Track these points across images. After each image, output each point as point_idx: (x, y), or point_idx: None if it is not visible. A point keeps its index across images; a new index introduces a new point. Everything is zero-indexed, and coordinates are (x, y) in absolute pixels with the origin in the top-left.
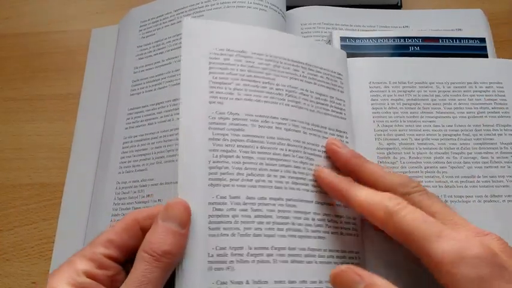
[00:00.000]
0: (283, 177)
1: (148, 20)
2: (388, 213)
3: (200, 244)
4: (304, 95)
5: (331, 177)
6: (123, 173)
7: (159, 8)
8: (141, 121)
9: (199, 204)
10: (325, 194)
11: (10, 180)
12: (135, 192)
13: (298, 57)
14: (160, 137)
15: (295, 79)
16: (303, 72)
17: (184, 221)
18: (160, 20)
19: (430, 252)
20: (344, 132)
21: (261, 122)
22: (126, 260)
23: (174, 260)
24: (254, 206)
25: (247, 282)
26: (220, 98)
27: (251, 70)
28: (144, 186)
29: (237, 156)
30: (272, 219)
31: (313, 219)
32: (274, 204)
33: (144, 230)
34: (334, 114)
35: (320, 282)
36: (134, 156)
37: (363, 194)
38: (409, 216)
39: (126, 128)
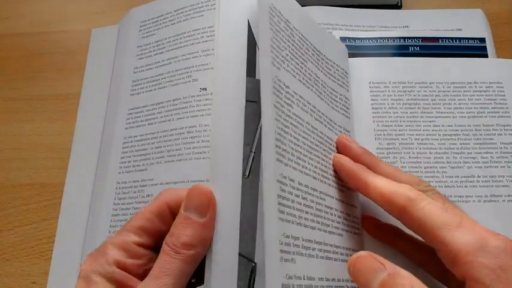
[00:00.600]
0: (316, 167)
1: (148, 20)
2: (409, 200)
3: (272, 230)
4: (323, 86)
5: (351, 164)
6: (123, 173)
7: (159, 8)
8: (141, 121)
9: (269, 180)
10: (341, 191)
11: (10, 180)
12: (135, 192)
13: (321, 47)
14: (161, 136)
15: (318, 68)
16: (322, 62)
17: (204, 210)
18: (161, 20)
19: (447, 241)
20: (348, 132)
21: (302, 104)
22: (158, 245)
23: (196, 250)
24: (303, 193)
25: (303, 278)
26: (278, 62)
27: (294, 44)
28: (144, 186)
29: (290, 134)
30: (312, 210)
31: (335, 215)
32: (312, 195)
33: (174, 215)
34: (342, 112)
35: (340, 280)
36: (134, 156)
37: (383, 183)
38: (430, 206)
39: (126, 128)
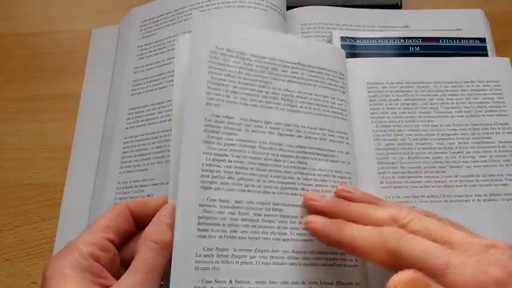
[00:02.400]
0: (272, 181)
1: (149, 19)
2: (390, 254)
3: (189, 244)
4: (301, 97)
5: (318, 223)
6: (123, 172)
7: (160, 7)
8: (142, 121)
9: (190, 205)
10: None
11: (10, 180)
12: (135, 192)
13: (298, 59)
14: (161, 136)
15: (294, 82)
16: (302, 74)
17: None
18: (161, 19)
19: (447, 284)
20: (344, 133)
21: (254, 126)
22: (120, 244)
23: (170, 251)
24: (242, 209)
25: (230, 282)
26: (217, 100)
27: (249, 73)
28: (144, 186)
29: (229, 161)
30: (258, 222)
31: (300, 223)
32: (261, 209)
33: (134, 216)
34: (334, 116)
35: (303, 283)
36: (135, 156)
37: (354, 233)
38: (415, 249)
39: (127, 128)
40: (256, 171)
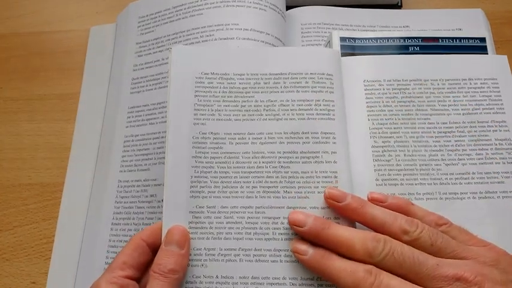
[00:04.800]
0: (255, 187)
1: (147, 16)
2: None
3: None
4: (283, 105)
5: (304, 256)
6: (124, 171)
7: (158, 3)
8: (142, 120)
9: (181, 212)
10: (296, 199)
11: (10, 180)
12: (137, 191)
13: (280, 69)
14: (162, 137)
15: (276, 92)
16: (284, 83)
17: (182, 243)
18: (159, 16)
19: None
20: (331, 133)
21: (238, 139)
22: (140, 276)
23: (179, 275)
24: (227, 214)
25: (217, 277)
26: (203, 119)
27: (232, 91)
28: (147, 186)
29: (215, 172)
30: (241, 224)
31: (283, 223)
32: (244, 212)
33: (150, 246)
34: (319, 117)
35: (284, 278)
36: (136, 155)
37: (333, 271)
38: None
39: (127, 127)
40: (239, 178)
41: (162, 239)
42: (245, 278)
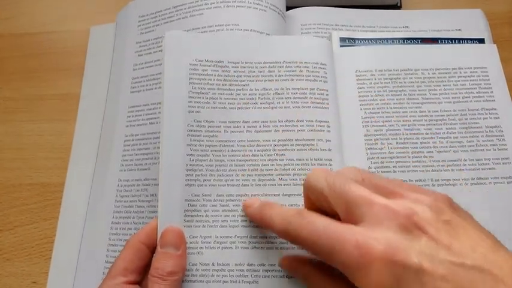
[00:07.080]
0: (250, 175)
1: (147, 15)
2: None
3: None
4: (278, 94)
5: (251, 210)
6: (124, 170)
7: (158, 3)
8: (142, 120)
9: (177, 200)
10: (292, 186)
11: (10, 180)
12: (137, 190)
13: (274, 58)
14: None
15: (270, 80)
16: (279, 71)
17: (178, 244)
18: (159, 16)
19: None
20: (325, 122)
21: (233, 127)
22: (142, 278)
23: (178, 276)
24: (222, 202)
25: (213, 264)
26: (198, 107)
27: (226, 79)
28: (147, 185)
29: (210, 160)
30: (237, 212)
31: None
32: (239, 200)
33: (149, 248)
34: (314, 106)
35: (280, 265)
36: (136, 154)
37: (272, 214)
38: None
39: (127, 126)
40: (235, 167)
41: (158, 240)
42: (241, 265)
